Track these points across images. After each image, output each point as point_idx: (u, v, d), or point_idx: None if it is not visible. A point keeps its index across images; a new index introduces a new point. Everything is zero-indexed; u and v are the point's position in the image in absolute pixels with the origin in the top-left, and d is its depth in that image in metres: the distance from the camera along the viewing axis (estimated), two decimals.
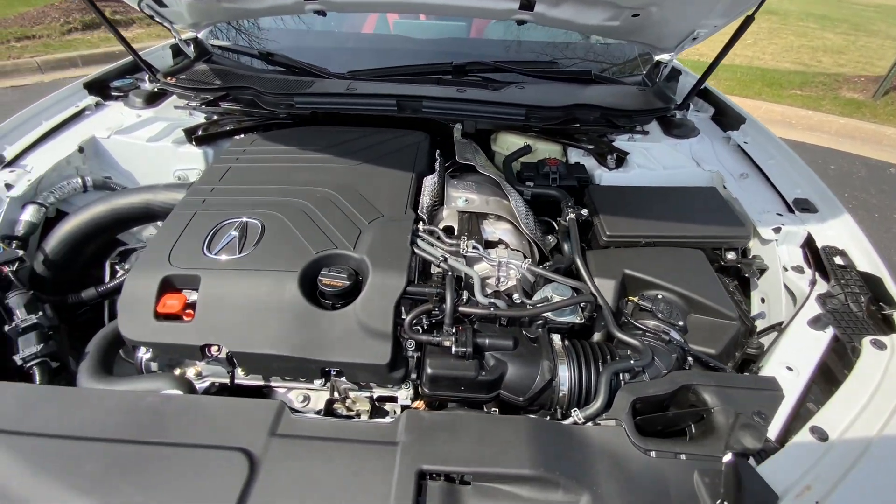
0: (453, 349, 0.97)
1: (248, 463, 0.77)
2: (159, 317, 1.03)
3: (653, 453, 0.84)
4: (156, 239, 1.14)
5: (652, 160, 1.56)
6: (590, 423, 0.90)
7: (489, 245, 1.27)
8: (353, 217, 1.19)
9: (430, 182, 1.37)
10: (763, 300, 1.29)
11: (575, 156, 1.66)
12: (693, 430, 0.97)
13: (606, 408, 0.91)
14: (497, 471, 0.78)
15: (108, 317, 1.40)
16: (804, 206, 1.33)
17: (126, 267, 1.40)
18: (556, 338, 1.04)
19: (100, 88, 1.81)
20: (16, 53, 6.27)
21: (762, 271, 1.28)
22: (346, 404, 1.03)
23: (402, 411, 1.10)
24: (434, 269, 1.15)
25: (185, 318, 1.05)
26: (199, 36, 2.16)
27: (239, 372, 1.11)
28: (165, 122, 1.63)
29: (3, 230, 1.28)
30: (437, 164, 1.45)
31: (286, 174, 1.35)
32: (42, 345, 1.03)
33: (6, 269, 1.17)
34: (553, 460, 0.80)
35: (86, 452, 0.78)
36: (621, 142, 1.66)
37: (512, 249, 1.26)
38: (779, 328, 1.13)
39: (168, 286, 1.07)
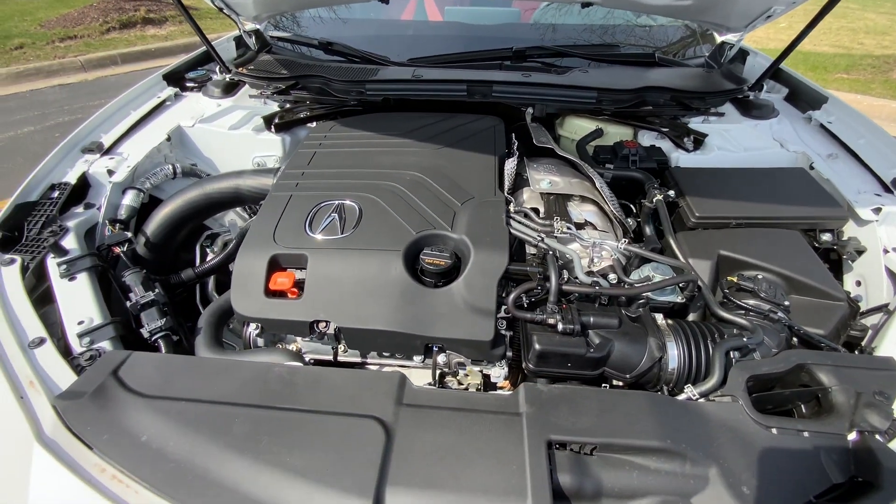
0: (560, 326, 0.98)
1: (383, 430, 0.80)
2: (270, 294, 1.08)
3: (774, 430, 0.83)
4: (258, 220, 1.19)
5: (731, 142, 1.53)
6: (703, 400, 0.90)
7: (576, 227, 1.27)
8: (445, 199, 1.21)
9: (510, 165, 1.38)
10: (859, 283, 1.26)
11: (647, 139, 1.64)
12: (804, 410, 0.96)
13: (721, 385, 0.90)
14: (623, 441, 0.79)
15: (199, 297, 1.46)
16: None
17: (215, 249, 1.46)
18: (659, 317, 1.04)
19: (177, 80, 1.88)
20: (60, 53, 6.52)
21: (859, 253, 1.25)
22: (458, 378, 1.06)
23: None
24: (530, 249, 1.16)
25: (290, 295, 1.10)
26: (260, 28, 2.21)
27: (339, 348, 1.15)
28: (244, 111, 1.68)
29: (109, 214, 1.35)
30: (514, 148, 1.45)
31: (371, 158, 1.38)
32: (164, 319, 1.08)
33: (118, 249, 1.24)
34: (676, 433, 0.80)
35: (230, 415, 0.82)
36: (696, 124, 1.63)
37: (599, 230, 1.26)
38: (887, 310, 1.10)
39: (275, 265, 1.11)
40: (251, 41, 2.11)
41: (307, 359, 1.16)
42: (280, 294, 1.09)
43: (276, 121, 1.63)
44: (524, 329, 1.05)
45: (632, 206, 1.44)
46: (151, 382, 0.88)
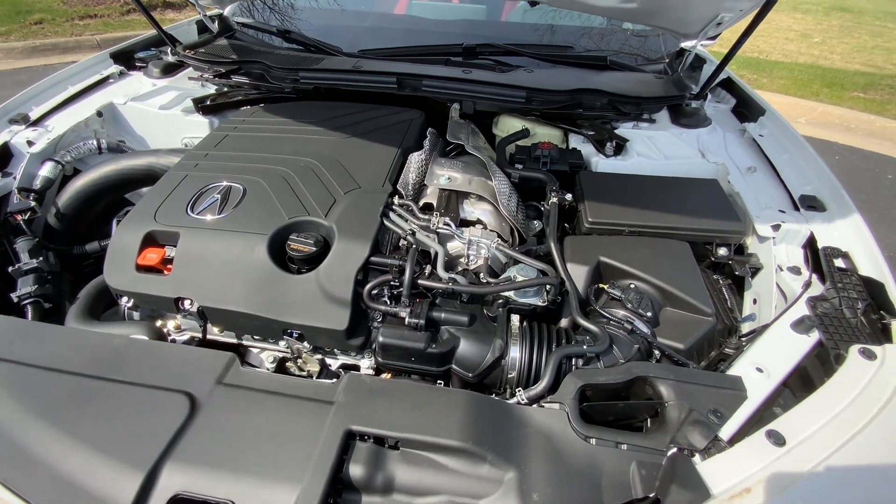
0: (406, 320, 0.97)
1: (189, 405, 0.81)
2: (140, 269, 1.10)
3: (593, 441, 0.81)
4: (147, 197, 1.21)
5: (653, 149, 1.49)
6: (534, 405, 0.88)
7: (466, 224, 1.26)
8: (331, 187, 1.21)
9: (416, 159, 1.37)
10: (755, 301, 1.21)
11: (575, 141, 1.61)
12: (649, 424, 0.93)
13: (552, 391, 0.89)
14: (426, 439, 0.78)
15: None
16: (811, 204, 1.23)
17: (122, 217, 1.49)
18: (515, 319, 1.02)
19: (125, 58, 1.92)
20: (78, 31, 6.73)
21: (756, 270, 1.20)
22: (298, 364, 1.06)
23: None
24: (402, 243, 1.16)
25: (165, 272, 1.11)
26: (225, 13, 2.25)
27: (214, 329, 1.16)
28: (177, 92, 1.71)
29: (22, 183, 1.39)
30: (426, 142, 1.44)
31: (276, 144, 1.39)
32: (37, 286, 1.12)
33: (19, 217, 1.28)
34: (486, 435, 0.79)
35: (50, 381, 0.84)
36: (624, 129, 1.59)
37: (489, 230, 1.24)
38: (760, 328, 1.06)
39: (151, 241, 1.13)
40: (213, 25, 2.15)
41: (186, 336, 1.17)
42: (151, 270, 1.11)
43: (207, 103, 1.65)
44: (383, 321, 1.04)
45: (541, 208, 1.42)
46: None
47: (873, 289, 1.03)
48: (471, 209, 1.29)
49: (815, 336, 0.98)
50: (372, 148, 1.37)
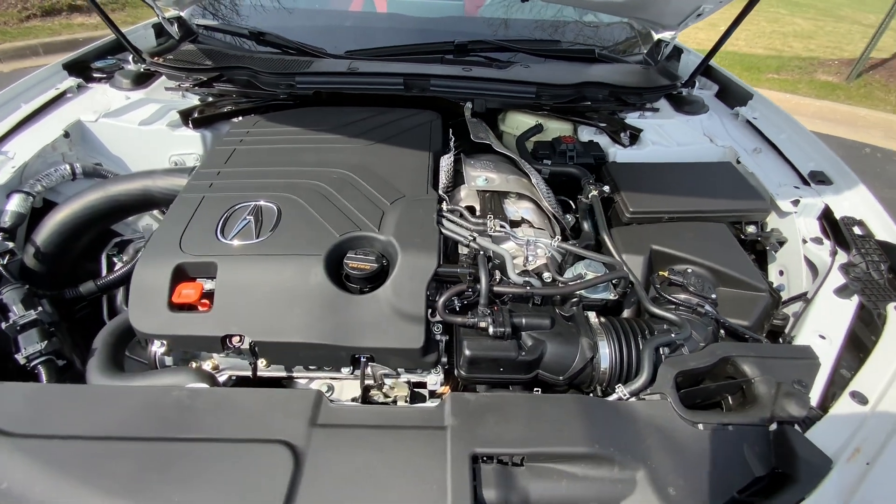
0: (490, 330, 0.94)
1: (291, 456, 0.72)
2: (174, 307, 0.97)
3: (700, 426, 0.83)
4: (164, 226, 1.07)
5: (665, 137, 1.55)
6: (634, 399, 0.88)
7: (513, 224, 1.24)
8: (374, 198, 1.14)
9: (446, 162, 1.32)
10: (781, 272, 1.30)
11: (586, 134, 1.64)
12: (731, 402, 0.97)
13: (650, 383, 0.89)
14: (551, 450, 0.76)
15: (107, 312, 1.31)
16: (820, 179, 1.35)
17: (125, 258, 1.31)
18: (592, 315, 1.02)
19: (80, 69, 1.68)
20: None
21: (781, 243, 1.29)
22: (384, 390, 0.99)
23: (430, 397, 1.07)
24: (462, 250, 1.11)
25: (199, 307, 0.99)
26: (183, 14, 2.04)
27: (260, 363, 1.05)
28: (158, 105, 1.53)
29: None
30: (451, 144, 1.40)
31: (295, 155, 1.29)
32: (45, 342, 0.95)
33: None
34: (605, 437, 0.78)
35: (112, 452, 0.72)
36: (632, 119, 1.65)
37: (536, 228, 1.23)
38: (805, 299, 1.14)
39: (181, 275, 1.00)
40: (173, 29, 1.94)
41: (225, 376, 1.05)
42: (186, 307, 0.98)
43: (195, 115, 1.49)
44: (457, 334, 1.00)
45: (571, 202, 1.43)
46: (20, 418, 0.76)
47: (890, 251, 1.15)
48: (513, 209, 1.27)
49: (855, 300, 1.07)
50: (402, 153, 1.30)
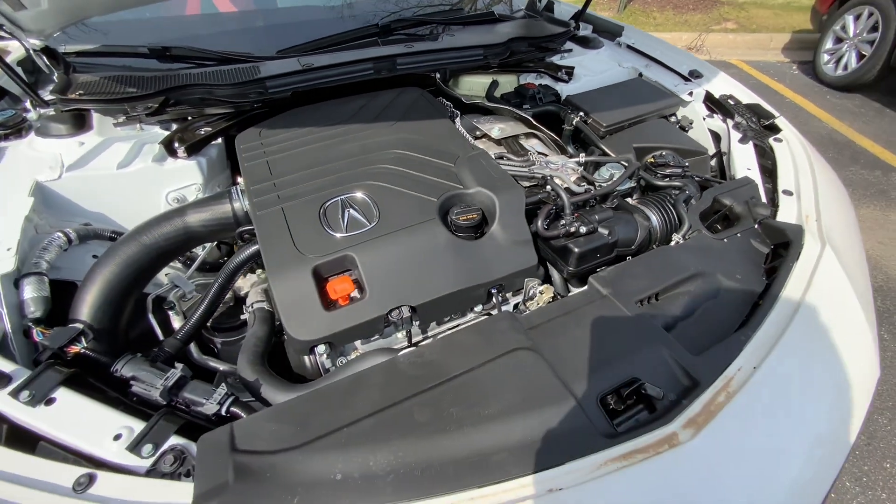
0: (583, 229, 1.21)
1: (536, 354, 0.90)
2: (329, 307, 1.01)
3: (725, 240, 1.25)
4: (267, 242, 1.06)
5: (588, 69, 1.97)
6: (682, 240, 1.27)
7: None
8: (437, 165, 1.28)
9: (459, 124, 1.50)
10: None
11: (529, 79, 1.96)
12: (719, 228, 1.44)
13: (690, 227, 1.29)
14: (675, 279, 1.09)
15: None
16: (696, 75, 1.91)
17: (178, 308, 1.21)
18: (629, 199, 1.37)
19: None
20: None
21: (690, 122, 1.83)
22: (535, 300, 1.20)
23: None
24: (524, 183, 1.34)
25: (341, 302, 1.05)
26: (48, 44, 1.69)
27: (398, 336, 1.15)
28: (126, 142, 1.34)
29: (15, 318, 0.97)
30: (451, 109, 1.57)
31: (335, 149, 1.32)
32: (219, 385, 0.90)
33: (74, 348, 0.93)
34: (690, 263, 1.14)
35: (404, 411, 0.80)
36: (557, 61, 2.02)
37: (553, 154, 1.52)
38: (721, 153, 1.68)
39: (318, 277, 1.03)
40: (42, 62, 1.61)
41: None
42: (339, 302, 1.03)
43: (183, 144, 1.35)
44: (548, 244, 1.24)
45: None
46: (283, 435, 0.78)
47: (755, 108, 1.75)
48: (529, 146, 1.53)
49: (751, 144, 1.63)
50: (427, 125, 1.43)
